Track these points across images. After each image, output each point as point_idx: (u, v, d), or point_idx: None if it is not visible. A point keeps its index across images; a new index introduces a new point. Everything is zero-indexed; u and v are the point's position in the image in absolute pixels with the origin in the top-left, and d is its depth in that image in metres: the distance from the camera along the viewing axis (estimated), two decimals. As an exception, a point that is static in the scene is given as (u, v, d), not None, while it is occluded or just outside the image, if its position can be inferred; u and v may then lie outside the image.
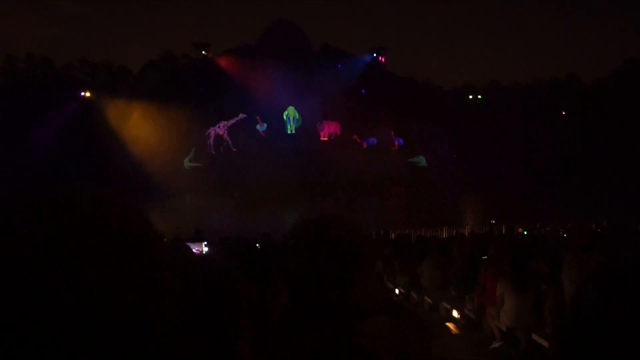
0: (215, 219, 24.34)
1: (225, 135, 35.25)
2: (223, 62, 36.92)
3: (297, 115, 36.35)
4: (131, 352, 0.44)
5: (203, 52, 37.50)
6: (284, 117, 36.21)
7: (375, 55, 39.87)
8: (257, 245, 10.86)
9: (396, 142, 37.77)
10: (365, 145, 36.86)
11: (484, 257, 7.94)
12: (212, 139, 35.33)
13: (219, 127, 35.19)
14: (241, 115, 35.11)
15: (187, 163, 34.65)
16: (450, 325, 7.41)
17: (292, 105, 36.04)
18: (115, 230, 0.46)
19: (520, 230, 15.23)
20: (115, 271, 0.43)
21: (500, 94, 41.52)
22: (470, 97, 41.64)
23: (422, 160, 37.50)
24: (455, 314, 7.66)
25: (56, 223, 0.44)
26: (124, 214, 0.48)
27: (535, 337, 5.87)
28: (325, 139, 36.53)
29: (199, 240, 10.35)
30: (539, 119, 37.47)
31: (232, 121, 35.41)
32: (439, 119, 36.87)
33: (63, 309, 0.41)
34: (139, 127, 34.42)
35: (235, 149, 35.64)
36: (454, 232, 17.45)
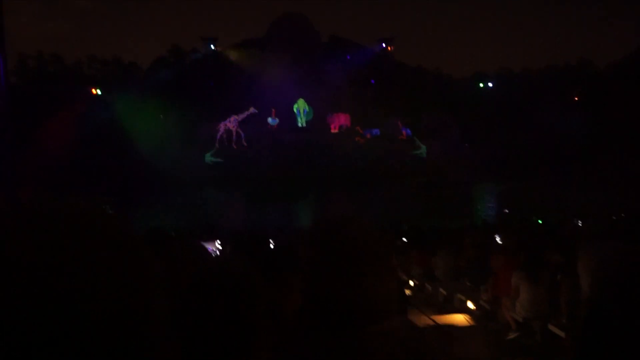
0: (226, 213, 24.46)
1: (236, 130, 35.30)
2: (232, 56, 36.93)
3: (307, 108, 36.32)
4: (121, 350, 0.47)
5: (212, 47, 37.50)
6: (294, 110, 36.20)
7: (383, 45, 39.67)
8: (271, 241, 10.78)
9: (404, 132, 37.57)
10: (368, 136, 36.75)
11: (497, 248, 7.90)
12: (221, 133, 35.40)
13: (229, 121, 35.24)
14: (252, 110, 35.12)
15: (208, 157, 34.70)
16: (464, 316, 7.39)
17: (302, 98, 36.01)
18: (97, 237, 0.50)
19: (534, 219, 15.11)
20: (100, 273, 0.47)
21: (511, 81, 41.12)
22: (481, 85, 41.28)
23: (423, 151, 37.24)
24: (470, 305, 7.62)
25: (51, 232, 0.48)
26: (105, 223, 0.52)
27: (551, 327, 5.83)
28: (336, 131, 36.48)
29: (212, 238, 10.32)
30: (552, 105, 37.06)
31: (242, 115, 35.45)
32: (449, 107, 36.64)
33: (56, 310, 0.44)
34: (148, 122, 34.54)
35: (246, 144, 35.67)
36: (467, 222, 17.36)
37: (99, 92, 35.28)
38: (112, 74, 38.25)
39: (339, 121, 36.61)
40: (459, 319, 7.36)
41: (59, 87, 33.38)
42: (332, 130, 36.52)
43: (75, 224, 0.49)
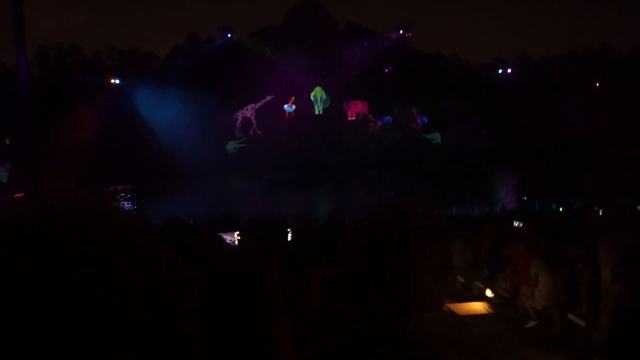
0: (244, 201, 24.55)
1: (253, 118, 35.39)
2: (249, 44, 36.93)
3: (324, 96, 36.24)
4: (151, 352, 0.47)
5: (229, 36, 37.50)
6: (311, 97, 36.14)
7: (401, 32, 39.31)
8: (289, 230, 10.69)
9: (419, 120, 37.30)
10: (379, 123, 36.57)
11: (516, 236, 7.83)
12: (239, 121, 35.51)
13: (246, 109, 35.34)
14: (268, 98, 35.17)
15: (231, 145, 34.87)
16: (483, 304, 7.36)
17: (319, 86, 35.92)
18: (122, 240, 0.50)
19: (554, 207, 14.93)
20: (126, 277, 0.48)
21: (530, 68, 40.49)
22: (500, 71, 40.72)
23: (437, 137, 36.92)
24: (488, 293, 7.59)
25: (78, 236, 0.48)
26: (128, 226, 0.52)
27: (571, 316, 5.78)
28: (353, 118, 36.37)
29: (230, 228, 10.28)
30: (572, 92, 36.45)
31: (259, 103, 35.52)
32: (468, 95, 36.25)
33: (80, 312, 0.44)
34: (167, 112, 34.70)
35: (260, 131, 35.75)
36: (485, 210, 17.21)
37: (117, 82, 35.49)
38: (130, 64, 38.41)
39: (356, 109, 36.49)
40: (477, 307, 7.32)
41: (78, 78, 33.64)
42: (350, 118, 36.42)
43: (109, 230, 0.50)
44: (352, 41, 36.18)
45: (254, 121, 35.32)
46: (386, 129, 36.56)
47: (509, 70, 40.53)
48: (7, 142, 30.59)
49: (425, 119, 37.06)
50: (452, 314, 1.17)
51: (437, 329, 1.11)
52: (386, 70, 36.64)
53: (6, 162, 28.96)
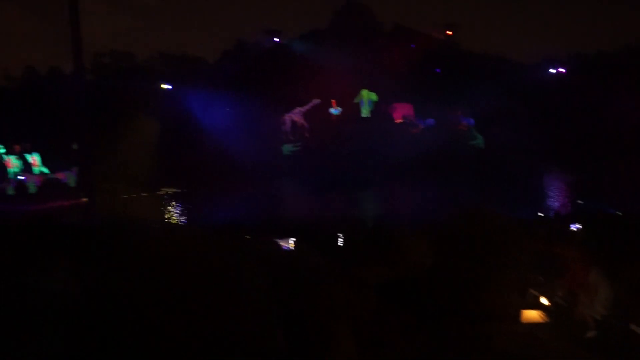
0: (294, 205, 24.68)
1: (301, 122, 35.66)
2: (295, 48, 37.25)
3: (371, 98, 36.14)
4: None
5: (275, 40, 37.93)
6: (358, 100, 36.08)
7: (448, 32, 38.70)
8: (340, 236, 10.61)
9: (465, 123, 36.55)
10: (421, 126, 36.10)
11: (572, 241, 7.56)
12: (288, 125, 35.81)
13: (294, 113, 35.63)
14: (315, 101, 35.39)
15: (287, 148, 35.45)
16: (538, 313, 7.10)
17: (365, 88, 35.84)
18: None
19: (613, 212, 14.34)
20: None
21: (585, 65, 39.08)
22: (552, 70, 39.43)
23: (480, 140, 36.01)
24: (543, 300, 7.34)
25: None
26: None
27: (633, 327, 5.53)
28: (400, 121, 36.08)
29: (282, 232, 10.27)
30: (630, 90, 34.94)
31: (307, 106, 35.82)
32: (517, 94, 35.30)
33: None
34: (217, 116, 35.40)
35: (307, 135, 35.97)
36: (539, 213, 16.73)
37: (168, 87, 36.42)
38: (181, 69, 39.34)
39: (402, 111, 36.20)
40: (532, 315, 7.06)
41: (132, 84, 34.71)
42: (396, 121, 36.18)
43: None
44: (399, 43, 35.93)
45: (302, 124, 35.65)
46: (430, 131, 36.17)
47: (560, 69, 39.22)
48: (75, 147, 31.90)
49: (472, 120, 36.34)
50: (530, 326, 1.12)
51: (513, 342, 1.06)
52: (434, 72, 36.17)
53: (74, 167, 30.39)
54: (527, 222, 13.35)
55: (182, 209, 27.99)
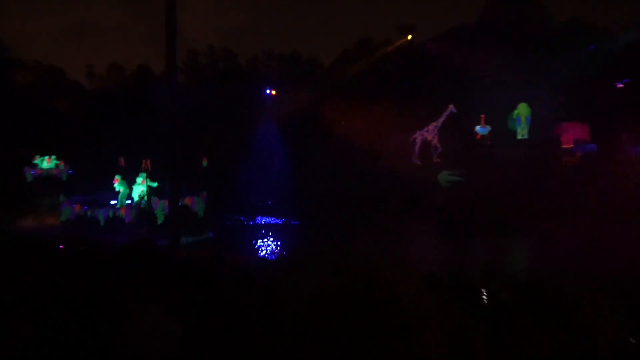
0: (417, 243, 22.21)
1: (435, 141, 28.52)
2: (433, 48, 30.08)
3: (529, 114, 28.16)
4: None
5: (408, 38, 30.97)
6: (514, 116, 28.21)
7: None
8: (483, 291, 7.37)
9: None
10: (579, 153, 27.62)
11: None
12: (418, 145, 28.89)
13: (427, 130, 28.60)
14: (450, 108, 28.41)
15: (445, 176, 28.33)
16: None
17: (524, 102, 27.92)
18: None
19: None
20: None
21: None
22: None
23: None
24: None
25: None
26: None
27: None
28: (569, 145, 27.63)
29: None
30: None
31: (441, 119, 28.85)
32: None
33: None
34: (332, 127, 29.96)
35: (438, 160, 28.90)
36: None
37: (273, 92, 31.32)
38: (290, 71, 34.01)
39: (574, 133, 27.68)
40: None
41: (232, 86, 30.09)
42: (563, 146, 27.78)
43: None
44: (573, 43, 27.39)
45: (436, 144, 28.39)
46: (584, 159, 27.88)
47: None
48: (205, 164, 29.32)
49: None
50: None
51: None
52: (619, 84, 27.36)
53: (203, 191, 27.19)
54: None
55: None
